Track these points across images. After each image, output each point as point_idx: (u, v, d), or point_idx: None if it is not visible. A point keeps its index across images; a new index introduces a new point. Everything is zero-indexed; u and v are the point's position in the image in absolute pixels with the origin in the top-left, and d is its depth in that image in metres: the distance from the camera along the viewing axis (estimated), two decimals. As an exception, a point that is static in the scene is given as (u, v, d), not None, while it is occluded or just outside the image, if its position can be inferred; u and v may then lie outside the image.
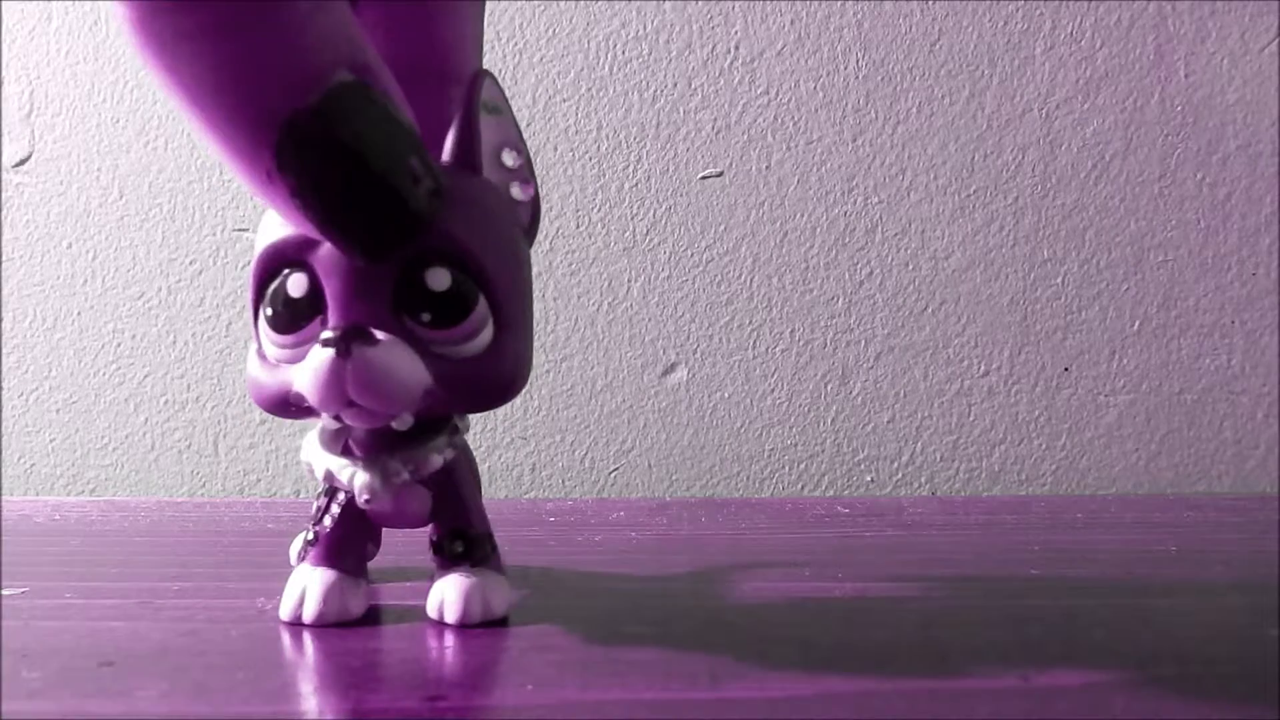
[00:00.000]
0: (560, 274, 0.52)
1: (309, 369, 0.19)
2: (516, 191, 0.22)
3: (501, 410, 0.52)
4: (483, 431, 0.52)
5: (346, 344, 0.19)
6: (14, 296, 0.53)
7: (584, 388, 0.52)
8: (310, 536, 0.23)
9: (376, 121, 0.18)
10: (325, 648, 0.21)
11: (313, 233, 0.19)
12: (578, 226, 0.53)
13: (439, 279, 0.20)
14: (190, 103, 0.17)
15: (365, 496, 0.22)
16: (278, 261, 0.20)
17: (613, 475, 0.52)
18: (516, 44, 0.52)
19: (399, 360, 0.20)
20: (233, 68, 0.17)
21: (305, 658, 0.21)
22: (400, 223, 0.19)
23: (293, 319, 0.20)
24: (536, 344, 0.52)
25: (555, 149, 0.52)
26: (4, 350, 0.52)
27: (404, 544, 0.27)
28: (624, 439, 0.52)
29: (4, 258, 0.52)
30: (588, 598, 0.26)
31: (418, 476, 0.22)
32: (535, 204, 0.23)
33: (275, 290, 0.20)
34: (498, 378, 0.21)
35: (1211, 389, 0.53)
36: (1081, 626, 0.23)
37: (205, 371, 0.52)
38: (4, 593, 0.26)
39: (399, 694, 0.18)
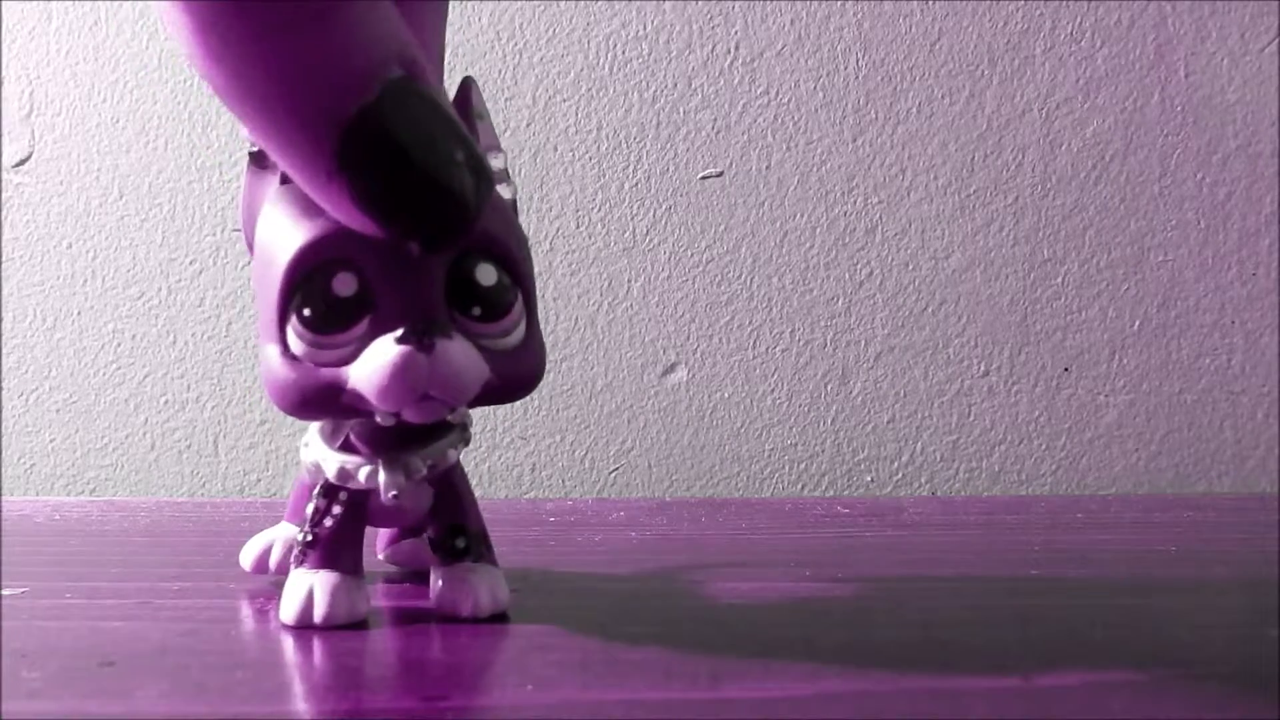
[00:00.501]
0: (560, 274, 0.52)
1: (380, 365, 0.19)
2: (504, 191, 0.23)
3: (501, 410, 0.52)
4: (483, 431, 0.52)
5: (431, 339, 0.19)
6: (14, 296, 0.53)
7: (584, 388, 0.52)
8: (308, 539, 0.23)
9: (429, 115, 0.18)
10: (325, 648, 0.21)
11: (372, 230, 0.19)
12: (578, 226, 0.53)
13: (487, 274, 0.21)
14: (248, 105, 0.17)
15: (392, 493, 0.22)
16: (316, 259, 0.20)
17: (613, 475, 0.52)
18: (516, 44, 0.52)
19: (471, 354, 0.20)
20: (293, 67, 0.17)
21: (305, 658, 0.21)
22: (459, 214, 0.19)
23: (339, 318, 0.20)
24: (536, 344, 0.52)
25: (555, 149, 0.52)
26: (4, 350, 0.52)
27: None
28: (624, 439, 0.52)
29: (4, 258, 0.52)
30: (588, 598, 0.26)
31: (435, 473, 0.23)
32: (514, 205, 0.23)
33: (315, 289, 0.20)
34: (534, 368, 0.22)
35: (1211, 389, 0.53)
36: (1081, 626, 0.23)
37: (205, 371, 0.52)
38: (4, 593, 0.26)
39: (399, 694, 0.18)
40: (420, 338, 0.19)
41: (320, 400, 0.20)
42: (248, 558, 0.27)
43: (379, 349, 0.20)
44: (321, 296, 0.20)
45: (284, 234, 0.20)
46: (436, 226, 0.19)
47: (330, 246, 0.20)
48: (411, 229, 0.19)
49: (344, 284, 0.20)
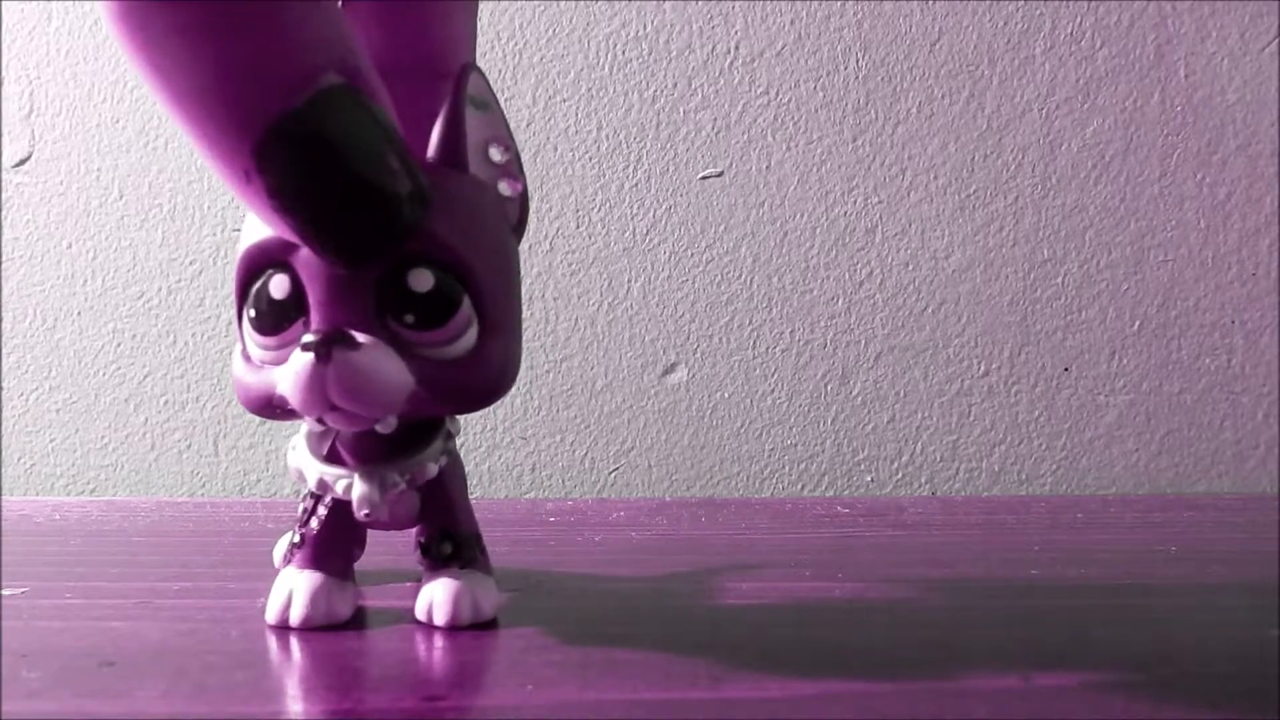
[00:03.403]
0: (560, 274, 0.52)
1: (290, 372, 0.19)
2: (504, 188, 0.22)
3: (501, 410, 0.52)
4: (483, 431, 0.52)
5: (327, 348, 0.19)
6: (14, 296, 0.53)
7: (584, 388, 0.52)
8: (296, 539, 0.23)
9: (361, 126, 0.18)
10: (325, 648, 0.21)
11: (290, 236, 0.19)
12: (578, 226, 0.53)
13: (422, 280, 0.20)
14: (173, 99, 0.17)
15: (365, 510, 0.22)
16: (260, 262, 0.20)
17: (613, 475, 0.52)
18: (516, 44, 0.52)
19: (381, 363, 0.19)
20: (221, 67, 0.17)
21: (305, 658, 0.21)
22: (381, 230, 0.19)
23: (275, 320, 0.20)
24: (536, 344, 0.52)
25: (555, 149, 0.52)
26: (4, 350, 0.52)
27: (402, 545, 0.27)
28: (624, 439, 0.52)
29: (4, 258, 0.52)
30: (588, 598, 0.26)
31: (414, 485, 0.22)
32: (524, 200, 0.23)
33: (258, 291, 0.20)
34: (483, 379, 0.21)
35: (1211, 389, 0.53)
36: (1081, 626, 0.23)
37: (205, 371, 0.52)
38: (4, 593, 0.26)
39: (399, 694, 0.18)
40: (319, 346, 0.19)
41: (261, 402, 0.21)
42: (277, 556, 0.27)
43: (293, 357, 0.19)
44: (264, 299, 0.20)
45: (245, 236, 0.21)
46: (352, 239, 0.19)
47: (268, 250, 0.20)
48: (326, 238, 0.19)
49: (279, 287, 0.20)
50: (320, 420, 0.20)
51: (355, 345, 0.19)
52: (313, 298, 0.20)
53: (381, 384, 0.19)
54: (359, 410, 0.20)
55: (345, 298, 0.20)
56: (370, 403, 0.19)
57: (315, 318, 0.20)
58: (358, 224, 0.19)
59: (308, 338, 0.19)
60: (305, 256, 0.20)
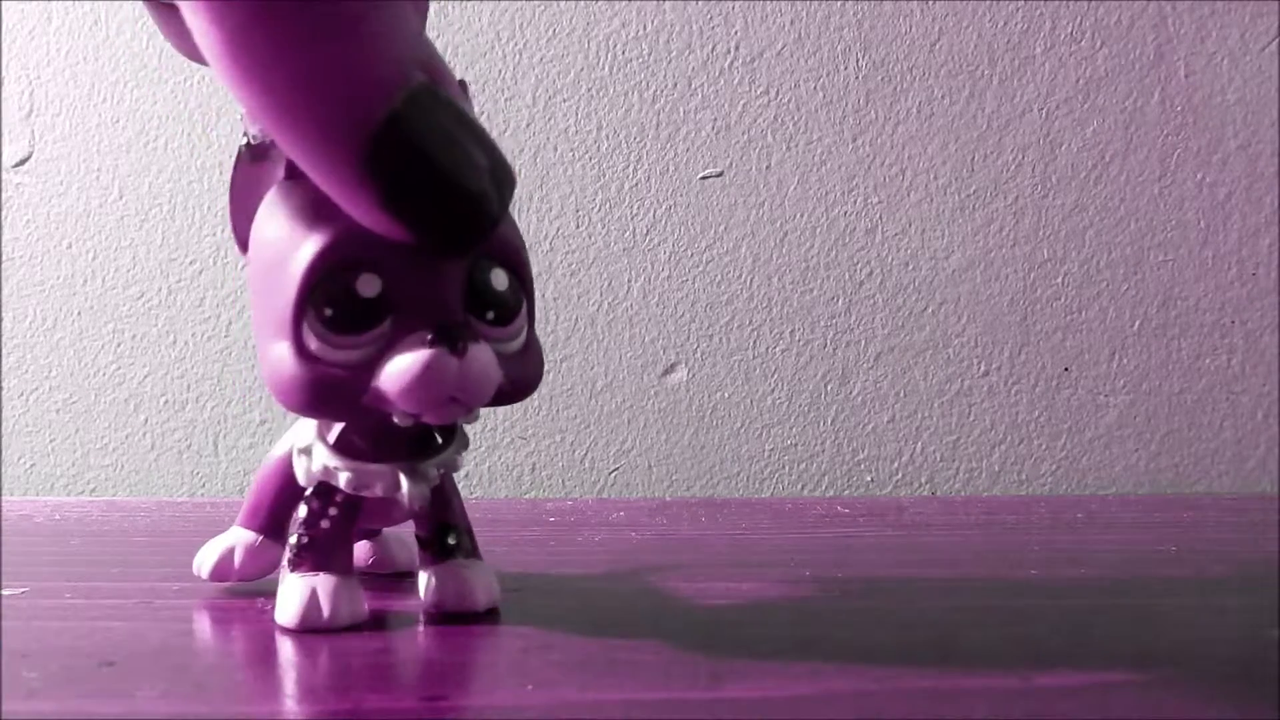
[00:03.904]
0: (560, 274, 0.52)
1: (412, 367, 0.19)
2: None
3: (501, 410, 0.52)
4: (483, 431, 0.52)
5: (463, 342, 0.19)
6: (14, 296, 0.53)
7: (584, 388, 0.52)
8: (303, 541, 0.23)
9: (453, 121, 0.19)
10: (324, 648, 0.21)
11: (396, 234, 0.19)
12: (578, 226, 0.53)
13: (501, 280, 0.21)
14: (276, 113, 0.17)
15: (418, 504, 0.22)
16: (338, 259, 0.20)
17: (613, 475, 0.52)
18: (516, 44, 0.52)
19: (493, 358, 0.20)
20: (320, 76, 0.17)
21: (304, 658, 0.21)
22: (482, 218, 0.19)
23: (360, 319, 0.20)
24: (536, 344, 0.52)
25: (555, 149, 0.52)
26: (4, 350, 0.52)
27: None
28: (624, 439, 0.52)
29: (4, 258, 0.52)
30: (588, 598, 0.26)
31: (443, 479, 0.23)
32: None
33: (339, 290, 0.20)
34: (535, 371, 0.22)
35: (1211, 389, 0.53)
36: (1081, 626, 0.23)
37: (205, 371, 0.52)
38: (4, 593, 0.26)
39: (399, 694, 0.18)
40: (453, 341, 0.19)
41: (338, 399, 0.20)
42: (207, 565, 0.26)
43: (410, 351, 0.20)
44: (345, 296, 0.20)
45: (298, 232, 0.20)
46: (460, 230, 0.19)
47: (353, 247, 0.20)
48: (436, 233, 0.19)
49: (368, 285, 0.20)
50: (414, 416, 0.20)
51: (479, 341, 0.20)
52: (411, 297, 0.20)
53: (494, 378, 0.20)
54: (475, 402, 0.20)
55: (441, 296, 0.20)
56: (486, 395, 0.20)
57: (418, 315, 0.20)
58: (465, 216, 0.19)
59: (430, 334, 0.19)
60: (397, 257, 0.20)
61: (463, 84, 0.22)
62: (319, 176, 0.18)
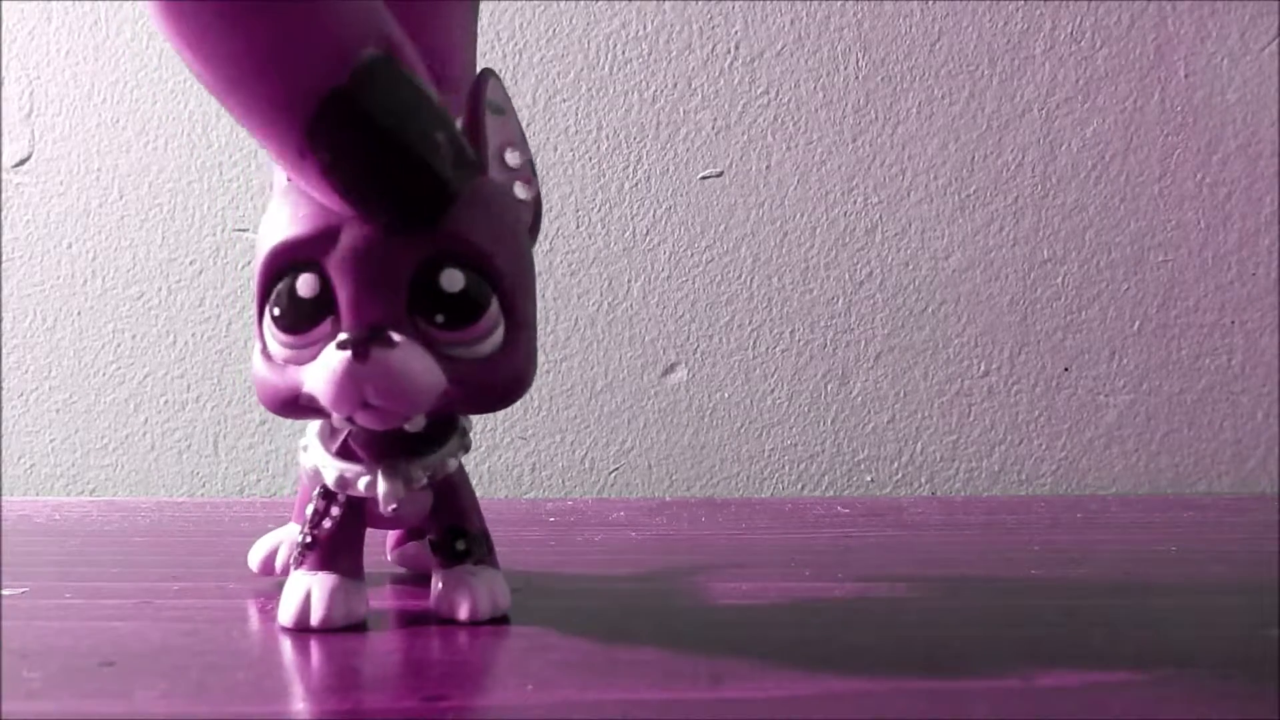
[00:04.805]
0: (560, 274, 0.52)
1: (323, 370, 0.19)
2: (520, 190, 0.23)
3: (502, 410, 0.52)
4: (483, 431, 0.52)
5: (365, 346, 0.19)
6: (14, 296, 0.53)
7: (584, 388, 0.52)
8: (308, 540, 0.23)
9: (405, 95, 0.18)
10: (325, 648, 0.21)
11: (344, 208, 0.19)
12: (578, 226, 0.53)
13: (453, 280, 0.20)
14: (222, 84, 0.18)
15: (391, 505, 0.22)
16: (286, 260, 0.20)
17: (613, 475, 0.52)
18: (516, 44, 0.52)
19: (416, 362, 0.20)
20: (266, 47, 0.17)
21: (305, 658, 0.21)
22: (432, 194, 0.19)
23: (301, 319, 0.20)
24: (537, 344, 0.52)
25: (555, 149, 0.52)
26: (4, 350, 0.52)
27: (379, 544, 0.27)
28: (624, 439, 0.52)
29: (4, 258, 0.52)
30: (588, 598, 0.26)
31: (433, 481, 0.23)
32: (537, 203, 0.23)
33: (283, 289, 0.20)
34: (511, 378, 0.21)
35: (1211, 389, 0.53)
36: (1081, 626, 0.23)
37: (205, 371, 0.52)
38: (4, 593, 0.26)
39: (399, 694, 0.18)
40: (357, 345, 0.19)
41: (285, 400, 0.21)
42: (255, 559, 0.27)
43: (326, 355, 0.20)
44: (290, 297, 0.20)
45: (268, 235, 0.21)
46: (406, 204, 0.19)
47: (298, 248, 0.20)
48: (381, 206, 0.19)
49: (307, 285, 0.20)
50: (349, 419, 0.20)
51: (392, 344, 0.19)
52: (344, 297, 0.20)
53: (416, 383, 0.20)
54: (394, 408, 0.20)
55: (378, 297, 0.20)
56: (406, 401, 0.20)
57: (347, 317, 0.20)
58: (413, 190, 0.19)
59: (344, 336, 0.19)
60: (336, 255, 0.20)
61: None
62: (269, 149, 0.19)
